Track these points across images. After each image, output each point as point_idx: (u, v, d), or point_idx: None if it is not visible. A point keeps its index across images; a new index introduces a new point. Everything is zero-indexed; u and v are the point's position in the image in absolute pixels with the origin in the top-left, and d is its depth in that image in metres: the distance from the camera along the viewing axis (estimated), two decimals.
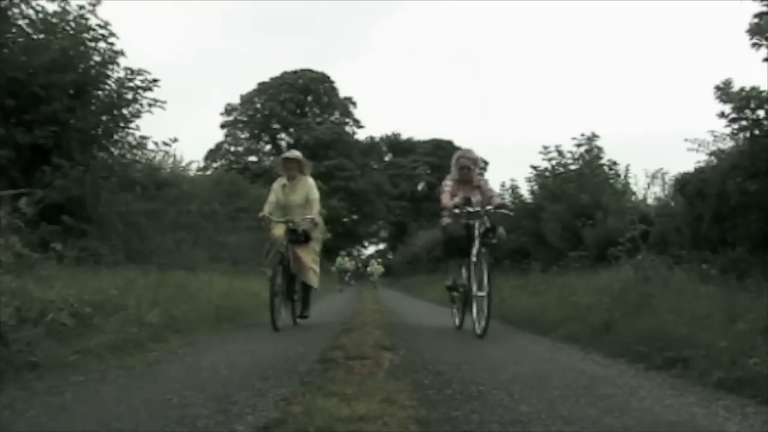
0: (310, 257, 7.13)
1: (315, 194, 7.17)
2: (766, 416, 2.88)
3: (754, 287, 5.32)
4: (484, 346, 5.67)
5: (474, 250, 6.31)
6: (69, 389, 3.27)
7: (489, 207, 6.60)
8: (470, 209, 6.54)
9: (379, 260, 39.08)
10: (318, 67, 51.37)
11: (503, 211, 6.68)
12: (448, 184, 6.89)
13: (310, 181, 7.28)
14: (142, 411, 2.80)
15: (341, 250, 33.30)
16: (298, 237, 6.91)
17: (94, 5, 8.87)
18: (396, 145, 60.25)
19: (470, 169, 6.94)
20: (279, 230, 6.98)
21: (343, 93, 51.62)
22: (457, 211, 6.50)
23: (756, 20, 7.18)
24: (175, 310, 6.01)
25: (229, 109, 49.76)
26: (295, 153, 7.51)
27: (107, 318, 4.80)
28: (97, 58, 9.13)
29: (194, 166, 16.30)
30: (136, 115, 9.59)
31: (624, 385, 3.69)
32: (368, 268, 38.19)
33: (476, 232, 6.37)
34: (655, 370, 4.16)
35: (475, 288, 6.30)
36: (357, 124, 52.20)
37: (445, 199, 6.71)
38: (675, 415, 2.89)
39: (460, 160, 6.97)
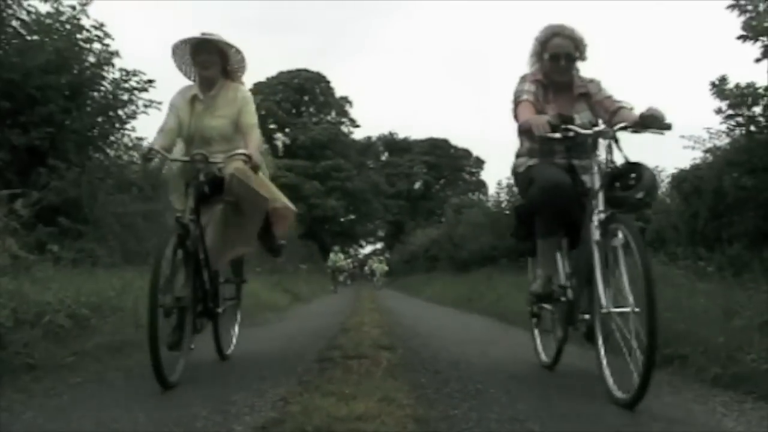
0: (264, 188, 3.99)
1: (252, 115, 4.02)
2: (764, 412, 2.89)
3: (751, 283, 5.33)
4: (482, 345, 5.66)
5: (595, 217, 3.17)
6: (66, 391, 3.27)
7: (622, 124, 3.40)
8: (579, 130, 3.38)
9: (381, 258, 35.23)
10: (314, 67, 51.57)
11: (653, 130, 3.36)
12: (526, 90, 3.73)
13: (244, 91, 4.09)
14: (140, 412, 2.79)
15: (335, 246, 29.45)
16: (202, 187, 3.64)
17: (84, 5, 8.84)
18: (392, 144, 60.27)
19: (570, 59, 3.71)
20: (179, 199, 3.87)
21: (339, 92, 51.66)
22: (556, 135, 3.34)
23: (747, 21, 7.19)
24: None
25: None
26: (213, 33, 3.98)
27: (104, 319, 4.79)
28: (92, 59, 9.11)
29: None
30: (132, 116, 9.57)
31: None
32: (365, 267, 37.00)
33: (596, 181, 3.26)
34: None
35: (603, 297, 3.01)
36: (353, 123, 52.24)
37: (526, 113, 3.60)
38: (672, 412, 2.90)
39: (551, 42, 3.70)
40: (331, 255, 26.04)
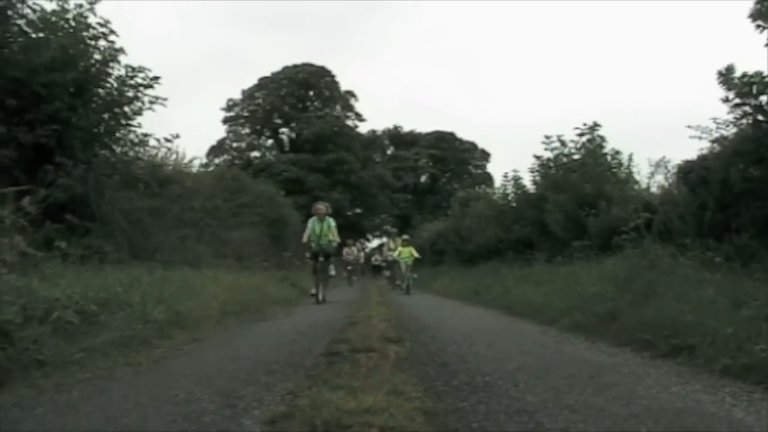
0: None
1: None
2: None
3: (759, 274, 5.30)
4: (489, 338, 5.68)
5: None
6: (76, 387, 3.29)
7: None
8: None
9: (405, 237, 19.38)
10: (319, 61, 51.19)
11: None
12: None
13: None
14: (149, 407, 2.81)
15: (317, 203, 12.84)
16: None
17: (92, 3, 8.84)
18: (398, 137, 60.09)
19: None
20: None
21: (344, 87, 51.54)
22: None
23: (758, 6, 7.13)
24: (180, 307, 6.02)
25: (230, 105, 49.69)
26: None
27: (113, 315, 4.81)
28: (97, 56, 9.10)
29: (197, 163, 16.20)
30: (138, 112, 9.56)
31: (630, 373, 3.69)
32: (376, 257, 26.54)
33: None
34: (660, 358, 4.16)
35: None
36: (358, 117, 52.06)
37: None
38: (681, 403, 2.89)
39: None
40: (311, 222, 11.84)
